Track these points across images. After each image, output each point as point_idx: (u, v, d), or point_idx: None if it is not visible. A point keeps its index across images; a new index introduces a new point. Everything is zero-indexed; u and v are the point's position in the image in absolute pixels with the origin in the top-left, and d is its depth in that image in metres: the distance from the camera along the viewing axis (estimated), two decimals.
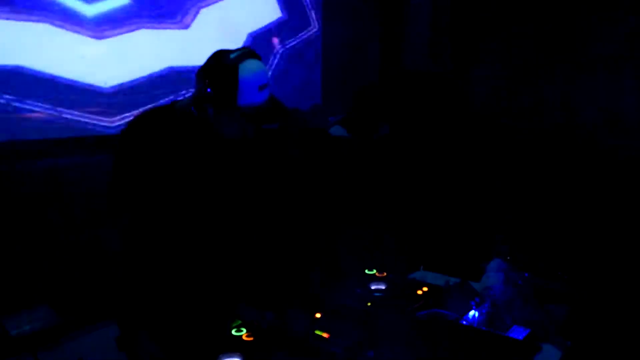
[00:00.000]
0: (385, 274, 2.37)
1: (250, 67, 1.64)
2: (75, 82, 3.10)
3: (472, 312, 2.01)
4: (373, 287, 2.24)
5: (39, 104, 2.97)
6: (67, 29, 3.04)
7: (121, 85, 3.28)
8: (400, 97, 4.69)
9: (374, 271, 2.39)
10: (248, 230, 1.97)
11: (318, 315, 1.96)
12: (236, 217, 1.91)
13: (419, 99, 4.76)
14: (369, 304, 2.09)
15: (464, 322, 1.98)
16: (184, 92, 3.48)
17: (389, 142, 2.94)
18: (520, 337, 1.87)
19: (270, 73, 4.28)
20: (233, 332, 1.83)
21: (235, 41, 3.89)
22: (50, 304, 2.60)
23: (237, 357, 1.70)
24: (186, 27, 3.64)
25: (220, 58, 1.66)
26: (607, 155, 3.86)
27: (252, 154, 1.91)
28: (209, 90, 1.63)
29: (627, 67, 3.82)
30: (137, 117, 1.77)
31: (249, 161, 1.90)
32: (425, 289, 2.23)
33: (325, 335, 1.83)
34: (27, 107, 2.93)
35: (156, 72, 3.45)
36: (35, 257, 2.82)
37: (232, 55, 1.65)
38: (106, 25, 3.19)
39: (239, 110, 1.65)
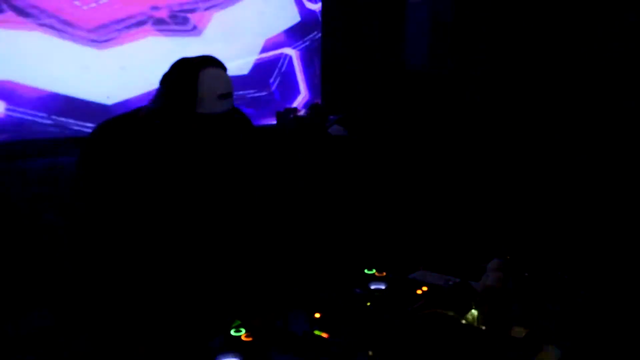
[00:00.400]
0: (384, 273, 2.36)
1: (211, 75, 1.60)
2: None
3: (472, 312, 2.00)
4: (372, 287, 2.24)
5: None
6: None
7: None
8: (401, 97, 4.69)
9: (374, 271, 2.38)
10: (236, 232, 1.96)
11: (317, 315, 1.95)
12: (220, 221, 1.89)
13: (419, 98, 4.75)
14: (368, 303, 2.08)
15: (464, 322, 1.97)
16: None
17: (389, 141, 2.94)
18: (520, 337, 1.87)
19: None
20: (232, 332, 1.83)
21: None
22: (49, 305, 2.60)
23: (235, 358, 1.70)
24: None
25: (180, 65, 1.63)
26: (608, 155, 3.85)
27: (220, 160, 1.85)
28: (167, 96, 1.60)
29: (630, 66, 3.82)
30: (100, 127, 1.72)
31: (218, 167, 1.85)
32: (425, 288, 2.23)
33: (324, 335, 1.82)
34: None
35: None
36: (35, 259, 2.81)
37: (192, 62, 1.62)
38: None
39: (197, 119, 1.61)
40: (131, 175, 1.67)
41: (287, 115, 4.36)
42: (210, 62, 1.63)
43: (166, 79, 1.63)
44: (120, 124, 1.72)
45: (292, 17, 4.39)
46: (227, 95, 1.63)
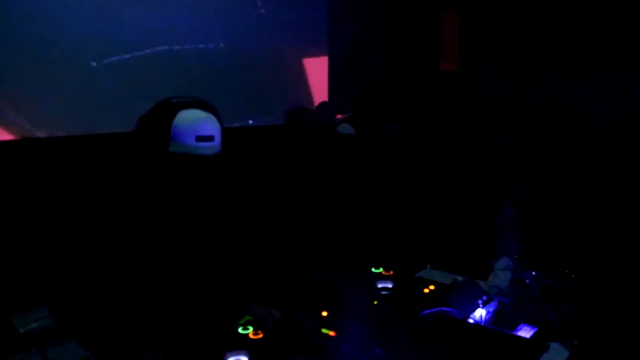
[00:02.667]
0: (392, 272, 2.37)
1: (190, 115, 1.58)
2: None
3: (479, 311, 2.00)
4: (380, 286, 2.24)
5: None
6: None
7: None
8: (408, 94, 4.68)
9: (381, 269, 2.39)
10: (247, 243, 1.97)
11: (325, 313, 1.96)
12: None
13: (426, 96, 4.74)
14: (375, 302, 2.09)
15: (471, 321, 1.97)
16: None
17: (396, 139, 2.93)
18: (527, 336, 1.87)
19: None
20: (240, 330, 1.84)
21: None
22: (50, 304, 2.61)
23: (243, 355, 1.71)
24: None
25: (162, 103, 1.62)
26: (616, 153, 3.83)
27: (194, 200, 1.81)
28: (143, 134, 1.60)
29: (636, 64, 3.79)
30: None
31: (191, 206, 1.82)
32: (432, 287, 2.23)
33: (331, 333, 1.83)
34: None
35: None
36: (48, 255, 2.83)
37: (173, 101, 1.61)
38: None
39: (171, 158, 1.59)
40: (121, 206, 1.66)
41: (294, 114, 4.35)
42: (193, 104, 1.61)
43: (144, 116, 1.63)
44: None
45: None
46: (207, 139, 1.60)
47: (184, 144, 1.57)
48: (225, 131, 1.68)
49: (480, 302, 2.01)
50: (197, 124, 1.58)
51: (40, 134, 3.01)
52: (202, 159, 1.60)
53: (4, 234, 2.79)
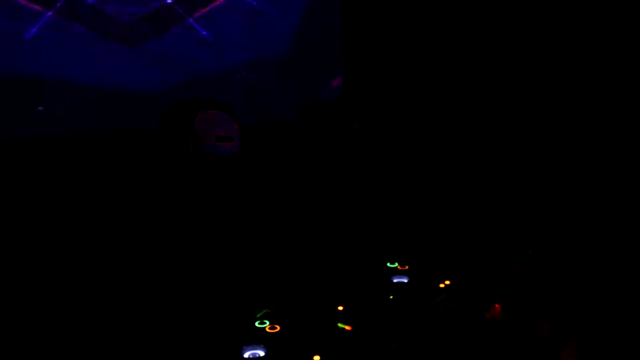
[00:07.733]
0: (407, 267, 2.37)
1: (211, 116, 1.63)
2: None
3: (495, 306, 2.00)
4: (395, 280, 2.24)
5: None
6: None
7: None
8: (420, 90, 4.66)
9: (396, 264, 2.39)
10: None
11: (340, 307, 1.97)
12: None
13: (437, 92, 4.72)
14: (391, 296, 2.09)
15: (488, 316, 1.97)
16: None
17: (407, 135, 2.93)
18: (545, 332, 1.86)
19: None
20: (256, 324, 1.85)
21: None
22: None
23: (260, 349, 1.72)
24: None
25: (183, 103, 1.66)
26: (630, 149, 3.79)
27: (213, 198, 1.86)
28: (164, 132, 1.63)
29: None
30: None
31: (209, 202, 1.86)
32: (447, 282, 2.23)
33: (347, 327, 1.83)
34: None
35: None
36: (65, 254, 2.86)
37: (196, 102, 1.66)
38: None
39: (190, 156, 1.63)
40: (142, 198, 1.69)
41: (309, 109, 4.36)
42: (214, 105, 1.66)
43: (167, 115, 1.65)
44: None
45: None
46: (227, 139, 1.65)
47: (204, 143, 1.59)
48: (242, 130, 1.71)
49: (496, 297, 2.01)
50: (217, 124, 1.61)
51: None
52: (220, 158, 1.63)
53: (19, 232, 2.83)
